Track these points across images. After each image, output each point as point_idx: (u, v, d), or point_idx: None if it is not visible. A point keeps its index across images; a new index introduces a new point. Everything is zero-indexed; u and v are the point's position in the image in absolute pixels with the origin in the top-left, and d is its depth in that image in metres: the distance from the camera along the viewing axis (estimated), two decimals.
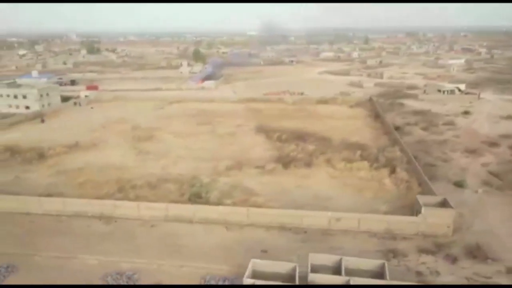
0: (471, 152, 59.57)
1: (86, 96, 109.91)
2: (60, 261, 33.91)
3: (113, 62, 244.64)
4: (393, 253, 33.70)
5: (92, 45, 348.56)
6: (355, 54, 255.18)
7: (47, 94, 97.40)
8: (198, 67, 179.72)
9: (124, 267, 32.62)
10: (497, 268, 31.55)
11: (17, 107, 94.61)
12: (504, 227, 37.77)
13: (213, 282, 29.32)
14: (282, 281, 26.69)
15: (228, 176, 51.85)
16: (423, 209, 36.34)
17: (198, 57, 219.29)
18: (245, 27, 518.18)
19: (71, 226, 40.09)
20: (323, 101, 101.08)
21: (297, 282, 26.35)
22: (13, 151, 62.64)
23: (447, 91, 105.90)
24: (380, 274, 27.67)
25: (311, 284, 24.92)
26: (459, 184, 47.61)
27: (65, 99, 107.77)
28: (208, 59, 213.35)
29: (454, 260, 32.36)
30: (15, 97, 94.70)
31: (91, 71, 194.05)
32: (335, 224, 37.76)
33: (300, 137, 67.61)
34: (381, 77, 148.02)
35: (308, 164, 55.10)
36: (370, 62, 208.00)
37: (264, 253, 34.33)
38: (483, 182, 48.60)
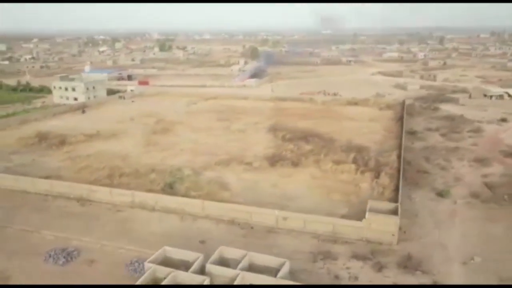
0: (479, 161, 55.62)
1: (131, 90, 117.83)
2: (24, 234, 38.29)
3: (178, 59, 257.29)
4: (323, 256, 33.48)
5: (164, 43, 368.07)
6: (421, 55, 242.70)
7: (93, 88, 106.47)
8: (252, 65, 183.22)
9: (72, 244, 36.07)
10: (422, 280, 30.16)
11: (67, 98, 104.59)
12: (458, 241, 35.56)
13: (136, 265, 31.46)
14: (185, 269, 28.12)
15: (213, 170, 53.77)
16: (367, 214, 35.48)
17: (254, 55, 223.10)
18: (318, 27, 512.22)
19: (51, 205, 44.67)
20: (354, 102, 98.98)
21: (194, 271, 27.65)
22: (41, 137, 69.91)
23: (495, 96, 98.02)
24: (286, 271, 27.99)
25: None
26: (441, 194, 45.13)
27: (115, 92, 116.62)
28: (258, 58, 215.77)
29: (380, 268, 31.40)
30: (66, 89, 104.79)
31: (153, 67, 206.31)
32: (282, 223, 38.11)
33: (304, 137, 67.34)
34: (434, 79, 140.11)
35: (296, 164, 55.24)
36: (432, 63, 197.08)
37: (202, 244, 35.79)
38: (472, 193, 45.49)
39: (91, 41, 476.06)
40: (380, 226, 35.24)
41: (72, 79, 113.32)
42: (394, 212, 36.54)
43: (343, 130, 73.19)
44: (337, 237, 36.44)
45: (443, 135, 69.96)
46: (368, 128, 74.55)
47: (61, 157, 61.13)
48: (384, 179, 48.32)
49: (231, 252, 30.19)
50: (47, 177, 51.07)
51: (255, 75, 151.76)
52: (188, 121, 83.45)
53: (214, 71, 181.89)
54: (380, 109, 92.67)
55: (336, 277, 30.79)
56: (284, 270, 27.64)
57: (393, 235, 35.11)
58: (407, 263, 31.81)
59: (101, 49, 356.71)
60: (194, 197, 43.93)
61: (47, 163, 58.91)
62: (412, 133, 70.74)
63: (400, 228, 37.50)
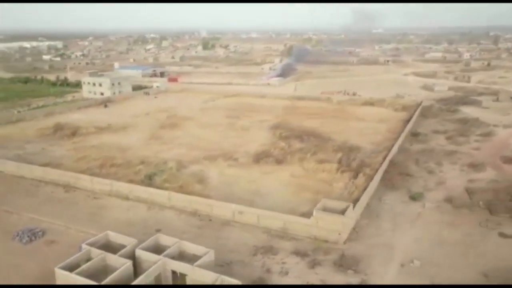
0: (473, 166, 53.56)
1: (157, 86, 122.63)
2: (5, 214, 42.15)
3: (217, 58, 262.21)
4: (265, 250, 34.30)
5: (207, 42, 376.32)
6: (466, 55, 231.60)
7: (119, 83, 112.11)
8: (281, 64, 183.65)
9: (42, 225, 39.29)
10: (351, 279, 30.29)
11: (95, 93, 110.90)
12: (408, 243, 35.09)
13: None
14: (120, 254, 30.07)
15: (199, 164, 55.72)
16: (314, 212, 35.84)
17: (290, 53, 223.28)
18: (367, 26, 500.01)
19: (41, 191, 48.53)
20: (370, 103, 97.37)
21: (123, 254, 29.58)
22: (57, 128, 75.15)
23: None
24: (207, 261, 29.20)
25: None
26: (413, 197, 44.25)
27: (143, 88, 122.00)
28: (286, 58, 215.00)
29: (314, 265, 31.82)
30: (94, 85, 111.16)
31: (190, 65, 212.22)
32: (238, 216, 39.25)
33: (301, 136, 67.58)
34: (468, 80, 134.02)
35: (280, 162, 55.94)
36: (475, 64, 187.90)
37: (157, 232, 37.69)
38: (447, 198, 44.17)
39: (141, 39, 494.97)
40: (327, 225, 35.44)
41: (101, 75, 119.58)
42: (344, 211, 36.46)
43: (346, 130, 72.69)
44: (287, 233, 37.02)
45: (448, 138, 67.59)
46: (373, 129, 73.40)
47: (68, 147, 65.55)
48: (361, 180, 48.00)
49: (165, 240, 31.79)
50: (46, 165, 55.19)
51: (283, 73, 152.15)
52: (198, 117, 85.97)
53: (247, 69, 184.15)
54: (395, 110, 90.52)
55: (268, 270, 31.57)
56: (205, 259, 28.83)
57: (339, 234, 35.17)
58: (342, 262, 31.90)
59: (148, 47, 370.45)
60: (167, 188, 45.90)
61: (54, 152, 63.42)
62: (415, 134, 69.00)
63: (354, 228, 37.57)
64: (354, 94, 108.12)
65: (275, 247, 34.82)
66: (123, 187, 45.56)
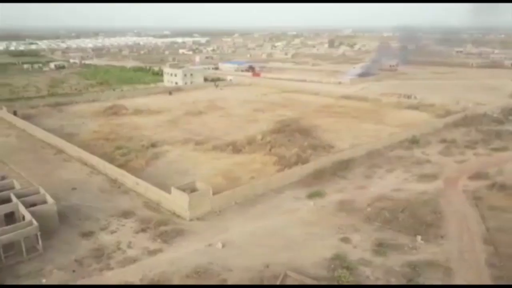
0: (424, 177, 49.77)
1: (230, 79, 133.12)
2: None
3: (331, 55, 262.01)
4: (124, 213, 40.48)
5: (333, 40, 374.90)
6: None
7: (191, 75, 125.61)
8: (364, 64, 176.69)
9: (11, 174, 52.01)
10: (153, 247, 34.74)
11: (171, 82, 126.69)
12: (240, 231, 37.32)
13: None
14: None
15: (171, 146, 63.41)
16: (172, 190, 40.52)
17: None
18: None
19: (41, 151, 62.25)
20: (415, 107, 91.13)
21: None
22: (108, 108, 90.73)
23: None
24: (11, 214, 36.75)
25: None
26: (311, 195, 44.72)
27: (219, 80, 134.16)
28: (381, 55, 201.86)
29: (140, 231, 36.97)
30: (171, 75, 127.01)
31: (294, 62, 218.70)
32: (136, 187, 46.01)
33: (293, 131, 69.17)
34: None
35: (239, 151, 60.09)
36: None
37: (72, 189, 47.11)
38: (342, 201, 43.44)
39: (278, 37, 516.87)
40: (180, 202, 39.75)
41: (181, 67, 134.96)
42: (202, 194, 40.09)
43: (349, 130, 71.93)
44: (159, 205, 42.32)
45: (446, 147, 61.57)
46: (377, 132, 70.69)
47: (100, 123, 79.68)
48: (281, 173, 49.60)
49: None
50: (70, 134, 69.62)
51: (365, 73, 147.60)
52: (229, 108, 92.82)
53: (341, 67, 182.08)
54: (436, 116, 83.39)
55: (105, 226, 37.69)
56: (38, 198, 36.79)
57: (186, 211, 39.21)
58: (163, 234, 36.16)
59: (277, 43, 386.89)
60: (129, 161, 54.78)
61: (87, 125, 78.09)
62: (414, 142, 64.26)
63: (219, 210, 40.98)
64: (408, 97, 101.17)
65: (134, 213, 40.54)
66: (86, 155, 55.75)
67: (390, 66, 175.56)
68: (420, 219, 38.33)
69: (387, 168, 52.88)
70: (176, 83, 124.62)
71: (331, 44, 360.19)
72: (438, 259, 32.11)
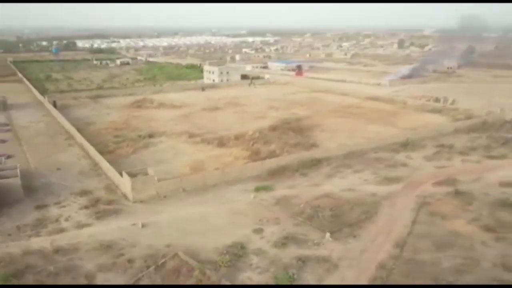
0: (387, 180, 48.96)
1: (267, 78, 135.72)
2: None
3: (393, 56, 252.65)
4: (81, 192, 45.41)
5: (403, 41, 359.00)
6: None
7: (227, 73, 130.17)
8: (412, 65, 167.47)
9: (19, 154, 59.98)
10: (86, 221, 39.12)
11: (209, 79, 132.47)
12: (176, 216, 40.31)
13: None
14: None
15: (166, 137, 68.03)
16: (123, 174, 44.69)
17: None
18: None
19: (57, 137, 70.24)
20: (437, 110, 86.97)
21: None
22: (137, 101, 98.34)
23: None
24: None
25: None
26: (257, 189, 46.30)
27: (257, 78, 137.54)
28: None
29: (84, 207, 41.62)
30: (209, 72, 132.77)
31: (349, 62, 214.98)
32: (107, 171, 50.95)
33: (288, 129, 70.66)
34: None
35: (222, 145, 63.00)
36: None
37: (57, 170, 53.45)
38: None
39: (348, 37, 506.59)
40: (128, 185, 43.77)
41: (222, 65, 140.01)
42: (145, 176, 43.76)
43: (350, 131, 70.86)
44: (117, 186, 46.72)
45: (437, 153, 59.07)
46: (378, 134, 69.39)
47: (122, 114, 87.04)
48: (241, 167, 51.71)
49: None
50: (89, 123, 77.53)
51: (411, 75, 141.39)
52: (248, 105, 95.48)
53: (393, 69, 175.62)
54: (454, 120, 79.09)
55: (57, 203, 42.85)
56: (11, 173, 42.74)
57: (129, 193, 43.13)
58: (101, 211, 40.40)
59: (345, 44, 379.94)
60: (121, 147, 60.59)
61: (109, 116, 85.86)
62: (405, 145, 62.38)
63: (164, 196, 44.43)
64: (438, 100, 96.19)
65: (92, 193, 45.29)
66: (85, 143, 61.94)
67: (448, 68, 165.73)
68: (345, 218, 38.25)
69: (356, 169, 52.31)
70: (213, 80, 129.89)
71: (401, 44, 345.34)
72: (332, 256, 32.36)
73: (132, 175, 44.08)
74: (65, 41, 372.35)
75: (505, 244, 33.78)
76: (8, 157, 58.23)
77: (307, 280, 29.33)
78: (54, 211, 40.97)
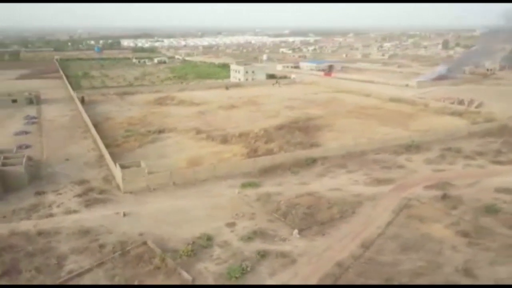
0: (377, 181, 48.62)
1: (293, 78, 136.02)
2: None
3: (434, 57, 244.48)
4: (79, 181, 48.49)
5: (447, 42, 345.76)
6: None
7: (253, 72, 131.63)
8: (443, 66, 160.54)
9: (37, 144, 64.44)
10: (76, 209, 41.86)
11: (235, 78, 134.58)
12: (153, 208, 42.31)
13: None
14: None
15: (174, 132, 70.48)
16: (117, 165, 47.20)
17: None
18: None
19: (76, 130, 74.41)
20: (458, 113, 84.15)
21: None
22: (159, 98, 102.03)
23: None
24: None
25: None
26: (244, 185, 47.41)
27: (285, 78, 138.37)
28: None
29: (76, 196, 44.48)
30: (235, 71, 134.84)
31: (384, 63, 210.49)
32: (109, 163, 53.88)
33: (295, 128, 71.14)
34: None
35: (224, 142, 64.48)
36: None
37: (66, 160, 57.09)
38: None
39: (392, 37, 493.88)
40: (119, 176, 46.23)
41: (248, 64, 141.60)
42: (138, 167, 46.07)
43: (359, 132, 70.18)
44: (114, 178, 49.34)
45: (440, 156, 57.62)
46: (386, 135, 68.50)
47: (141, 110, 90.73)
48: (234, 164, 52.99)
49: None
50: (110, 118, 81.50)
51: (443, 76, 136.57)
52: (265, 104, 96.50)
53: (426, 70, 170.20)
54: (473, 123, 76.39)
55: (55, 191, 45.98)
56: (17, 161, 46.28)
57: (120, 184, 45.55)
58: (91, 200, 43.01)
59: (386, 44, 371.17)
60: (128, 141, 63.82)
61: (130, 111, 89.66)
62: (409, 147, 61.25)
63: (153, 188, 46.52)
64: (461, 103, 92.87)
65: (89, 182, 48.10)
66: (96, 136, 65.47)
67: (488, 70, 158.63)
68: (319, 217, 38.54)
69: (350, 169, 52.10)
70: (239, 79, 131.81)
71: (445, 45, 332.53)
72: (294, 252, 32.86)
73: (124, 167, 46.33)
74: (110, 41, 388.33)
75: (476, 250, 32.86)
76: (26, 147, 62.54)
77: (259, 273, 30.05)
78: (50, 197, 43.92)
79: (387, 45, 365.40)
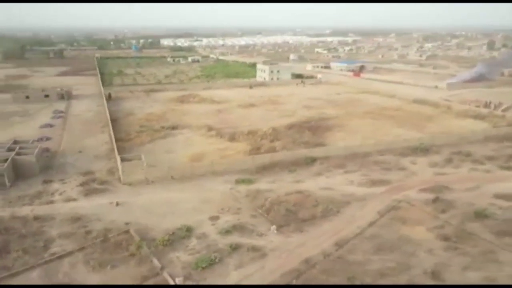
0: (372, 183, 48.42)
1: (320, 77, 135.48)
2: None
3: (473, 58, 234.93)
4: (85, 173, 51.42)
5: (493, 42, 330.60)
6: None
7: (278, 71, 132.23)
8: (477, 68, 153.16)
9: (56, 137, 68.53)
10: (75, 197, 44.59)
11: (261, 77, 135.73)
12: (143, 200, 44.31)
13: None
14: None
15: (188, 129, 72.59)
16: (117, 157, 49.65)
17: None
18: None
19: (97, 124, 78.25)
20: (481, 117, 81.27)
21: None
22: (182, 96, 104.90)
23: None
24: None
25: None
26: (239, 181, 48.54)
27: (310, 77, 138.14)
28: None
29: (74, 186, 47.28)
30: (261, 71, 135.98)
31: (421, 64, 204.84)
32: (116, 156, 56.63)
33: (305, 127, 71.49)
34: None
35: (232, 139, 65.79)
36: None
37: (79, 152, 60.52)
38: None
39: (435, 37, 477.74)
40: (120, 169, 48.64)
41: (274, 64, 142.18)
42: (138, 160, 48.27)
43: (370, 133, 69.36)
44: (117, 170, 51.85)
45: (447, 160, 56.26)
46: (397, 137, 67.52)
47: (162, 107, 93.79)
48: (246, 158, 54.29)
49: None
50: (129, 114, 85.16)
51: (477, 78, 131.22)
52: (283, 103, 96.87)
53: (463, 71, 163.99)
54: (494, 126, 73.71)
55: (61, 180, 49.05)
56: (31, 151, 49.67)
57: (119, 176, 47.92)
58: (91, 189, 45.63)
59: (427, 44, 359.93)
60: (139, 136, 66.74)
61: (150, 108, 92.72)
62: (417, 149, 60.11)
63: (152, 181, 48.61)
64: (488, 106, 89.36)
65: (94, 173, 50.88)
66: (111, 131, 68.61)
67: None
68: (302, 214, 38.99)
69: (348, 170, 51.93)
70: (264, 78, 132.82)
71: (491, 45, 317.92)
72: (266, 246, 33.59)
73: (125, 160, 48.63)
74: (150, 40, 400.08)
75: (452, 254, 32.28)
76: (47, 139, 66.63)
77: (227, 264, 31.03)
78: (55, 186, 46.88)
79: (428, 45, 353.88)
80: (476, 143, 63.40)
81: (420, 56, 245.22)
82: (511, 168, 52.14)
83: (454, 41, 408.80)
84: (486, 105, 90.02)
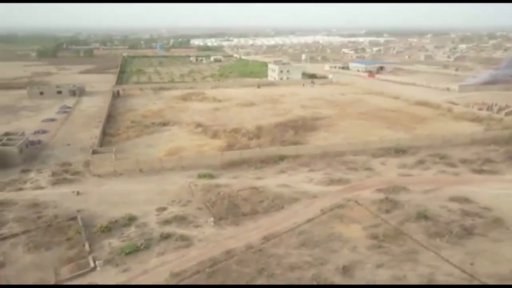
0: (332, 182, 48.98)
1: (331, 78, 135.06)
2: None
3: (492, 60, 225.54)
4: (63, 163, 54.71)
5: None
6: None
7: (288, 71, 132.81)
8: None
9: (54, 130, 72.71)
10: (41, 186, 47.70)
11: (271, 77, 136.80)
12: (136, 191, 46.81)
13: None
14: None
15: (175, 125, 75.06)
16: (91, 151, 52.57)
17: None
18: None
19: (94, 119, 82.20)
20: (478, 119, 79.23)
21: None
22: (186, 94, 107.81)
23: None
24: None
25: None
26: (201, 176, 50.26)
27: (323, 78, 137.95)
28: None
29: (48, 176, 50.42)
30: (272, 70, 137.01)
31: (445, 66, 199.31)
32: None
33: (292, 126, 72.42)
34: None
35: (214, 136, 67.66)
36: None
37: (67, 145, 64.11)
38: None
39: (471, 38, 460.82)
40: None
41: (285, 64, 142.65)
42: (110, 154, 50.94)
43: (357, 133, 69.42)
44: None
45: (419, 162, 55.74)
46: (381, 137, 67.24)
47: (164, 103, 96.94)
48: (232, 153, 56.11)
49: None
50: (130, 109, 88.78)
51: (492, 80, 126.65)
52: (283, 103, 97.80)
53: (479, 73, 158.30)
54: (486, 130, 71.81)
55: (38, 170, 52.45)
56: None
57: (91, 168, 50.76)
58: (62, 179, 48.66)
59: (461, 45, 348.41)
60: (119, 130, 69.82)
61: (152, 105, 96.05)
62: (393, 150, 59.76)
63: (119, 173, 51.18)
64: (489, 108, 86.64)
65: (70, 164, 54.02)
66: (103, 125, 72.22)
67: None
68: (244, 209, 40.19)
69: (313, 168, 52.49)
70: (274, 78, 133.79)
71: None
72: (196, 237, 35.13)
73: (97, 152, 51.34)
74: (180, 39, 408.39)
75: (372, 253, 32.63)
76: (43, 132, 70.74)
77: (150, 251, 32.76)
78: (30, 175, 50.22)
79: (462, 46, 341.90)
80: (459, 146, 62.12)
81: (448, 57, 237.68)
82: (482, 172, 50.89)
83: (492, 41, 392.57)
84: (489, 108, 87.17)
